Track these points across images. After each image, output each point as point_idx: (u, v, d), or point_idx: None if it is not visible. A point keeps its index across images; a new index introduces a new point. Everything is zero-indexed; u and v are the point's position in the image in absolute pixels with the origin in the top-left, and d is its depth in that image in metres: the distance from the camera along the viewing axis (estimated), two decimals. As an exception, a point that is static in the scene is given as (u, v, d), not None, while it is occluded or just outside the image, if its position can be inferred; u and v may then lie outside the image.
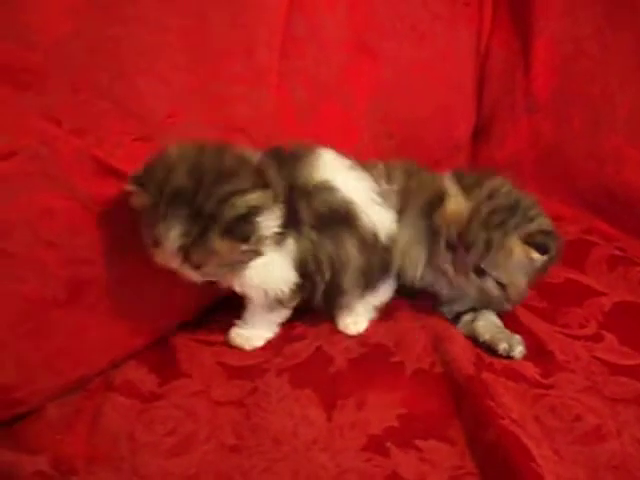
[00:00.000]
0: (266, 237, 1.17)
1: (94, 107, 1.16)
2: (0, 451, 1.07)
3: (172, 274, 1.19)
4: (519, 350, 1.27)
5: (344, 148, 1.58)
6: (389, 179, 1.49)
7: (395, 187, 1.46)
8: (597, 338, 1.32)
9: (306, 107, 1.55)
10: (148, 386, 1.22)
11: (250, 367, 1.27)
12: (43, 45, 1.10)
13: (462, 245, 1.28)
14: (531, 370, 1.23)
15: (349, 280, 1.30)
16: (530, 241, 1.25)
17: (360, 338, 1.33)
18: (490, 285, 1.29)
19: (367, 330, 1.37)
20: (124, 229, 1.19)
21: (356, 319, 1.38)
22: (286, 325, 1.36)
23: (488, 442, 1.05)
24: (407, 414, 1.13)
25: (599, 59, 1.77)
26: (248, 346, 1.32)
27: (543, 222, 1.31)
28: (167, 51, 1.25)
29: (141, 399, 1.18)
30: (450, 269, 1.33)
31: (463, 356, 1.24)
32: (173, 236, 1.10)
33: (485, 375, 1.19)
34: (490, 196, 1.29)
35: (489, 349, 1.29)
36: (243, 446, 1.07)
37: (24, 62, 1.08)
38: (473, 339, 1.33)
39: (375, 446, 1.07)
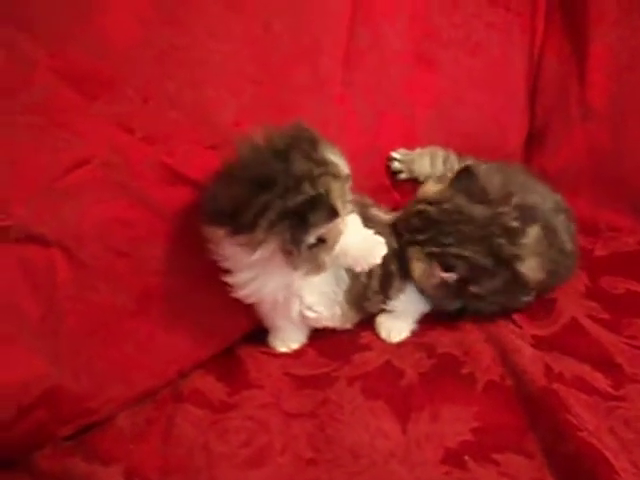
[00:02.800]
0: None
1: (164, 116, 1.17)
2: (74, 461, 1.08)
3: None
4: None
5: None
6: None
7: None
8: (664, 349, 1.31)
9: (368, 117, 1.56)
10: (218, 396, 1.22)
11: (319, 377, 1.26)
12: (113, 54, 1.11)
13: None
14: (601, 382, 1.22)
15: None
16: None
17: (428, 349, 1.33)
18: None
19: (433, 340, 1.37)
20: (193, 239, 1.19)
21: (399, 326, 1.40)
22: (352, 335, 1.36)
23: (568, 454, 1.04)
24: (481, 427, 1.12)
25: (657, 67, 1.76)
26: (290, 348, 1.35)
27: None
28: (233, 60, 1.25)
29: (212, 409, 1.18)
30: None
31: (533, 368, 1.23)
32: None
33: (556, 386, 1.18)
34: (438, 203, 1.35)
35: None
36: (320, 459, 1.07)
37: (95, 71, 1.09)
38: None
39: (453, 459, 1.06)
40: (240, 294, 1.21)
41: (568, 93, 1.85)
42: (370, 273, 1.30)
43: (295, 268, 1.12)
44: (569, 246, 1.46)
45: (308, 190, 1.06)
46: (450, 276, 1.30)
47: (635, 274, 1.55)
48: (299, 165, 1.07)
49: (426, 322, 1.43)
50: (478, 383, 1.22)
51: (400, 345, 1.36)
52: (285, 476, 1.04)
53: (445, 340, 1.36)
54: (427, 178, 1.59)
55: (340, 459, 1.06)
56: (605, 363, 1.27)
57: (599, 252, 1.67)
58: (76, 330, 1.11)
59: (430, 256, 1.30)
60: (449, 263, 1.30)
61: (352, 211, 1.21)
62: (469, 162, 1.57)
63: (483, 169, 1.46)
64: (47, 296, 1.07)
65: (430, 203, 1.33)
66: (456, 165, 1.59)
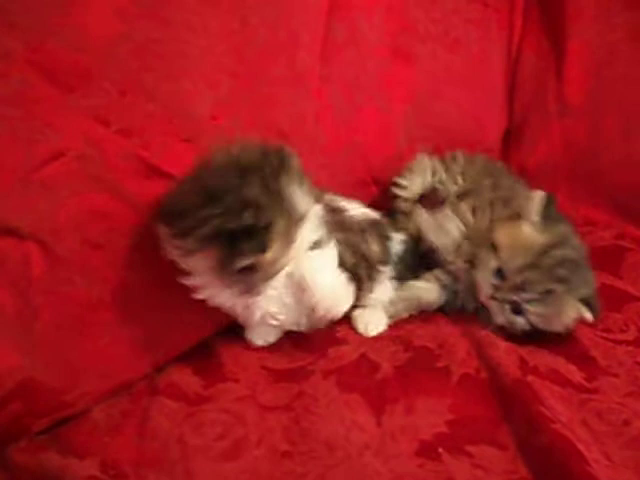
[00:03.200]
0: None
1: (140, 109, 1.16)
2: (49, 455, 1.07)
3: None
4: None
5: (382, 152, 1.62)
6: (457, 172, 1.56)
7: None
8: (638, 343, 1.33)
9: (345, 111, 1.56)
10: (193, 388, 1.21)
11: (295, 370, 1.26)
12: (91, 47, 1.09)
13: (518, 280, 1.27)
14: (575, 374, 1.24)
15: None
16: (588, 303, 1.26)
17: (404, 342, 1.34)
18: (520, 321, 1.30)
19: (409, 333, 1.37)
20: None
21: (376, 319, 1.40)
22: (328, 329, 1.35)
23: (541, 446, 1.05)
24: (456, 420, 1.13)
25: (634, 63, 1.77)
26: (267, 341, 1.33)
27: (594, 284, 1.31)
28: (211, 53, 1.24)
29: (187, 402, 1.18)
30: (487, 292, 1.33)
31: (508, 360, 1.24)
32: None
33: (531, 379, 1.19)
34: (561, 243, 1.27)
35: None
36: (295, 452, 1.07)
37: (73, 64, 1.08)
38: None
39: (427, 452, 1.06)
40: (199, 297, 1.19)
41: (546, 89, 1.86)
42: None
43: (227, 286, 1.12)
44: None
45: (248, 218, 1.03)
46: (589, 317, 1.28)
47: (610, 268, 1.57)
48: (250, 190, 1.04)
49: (402, 315, 1.43)
50: (453, 376, 1.23)
51: (376, 339, 1.36)
52: (260, 469, 1.04)
53: (421, 333, 1.36)
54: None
55: (315, 451, 1.06)
56: (579, 356, 1.28)
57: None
58: (51, 323, 1.10)
59: (582, 300, 1.26)
60: (596, 305, 1.28)
61: (327, 245, 1.21)
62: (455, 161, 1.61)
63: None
64: (22, 290, 1.06)
65: (556, 247, 1.27)
66: (443, 175, 1.60)
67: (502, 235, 1.32)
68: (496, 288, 1.31)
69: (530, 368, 1.23)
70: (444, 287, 1.44)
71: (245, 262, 1.06)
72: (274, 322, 1.25)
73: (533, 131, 1.89)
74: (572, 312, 1.26)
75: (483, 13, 1.82)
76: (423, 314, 1.43)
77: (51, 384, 1.11)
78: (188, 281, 1.17)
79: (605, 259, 1.57)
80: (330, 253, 1.23)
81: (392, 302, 1.43)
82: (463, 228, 1.45)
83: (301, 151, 1.28)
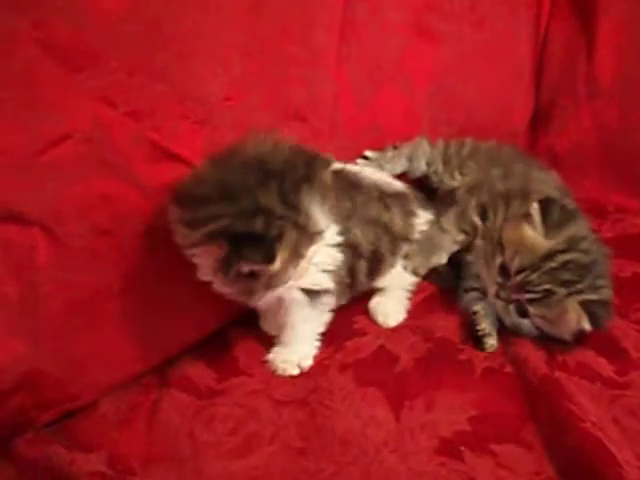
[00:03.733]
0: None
1: (150, 90, 1.12)
2: (55, 448, 1.04)
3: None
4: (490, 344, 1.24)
5: (404, 134, 1.59)
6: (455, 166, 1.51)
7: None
8: (672, 334, 1.26)
9: (365, 92, 1.51)
10: (206, 382, 1.18)
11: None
12: (98, 25, 1.05)
13: (519, 279, 1.22)
14: (606, 368, 1.18)
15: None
16: (588, 310, 1.17)
17: (424, 333, 1.28)
18: (527, 324, 1.24)
19: (429, 323, 1.32)
20: None
21: (395, 308, 1.35)
22: (345, 321, 1.31)
23: (569, 446, 1.00)
24: (479, 416, 1.08)
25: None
26: (297, 370, 1.23)
27: (606, 294, 1.22)
28: (224, 32, 1.20)
29: (199, 395, 1.15)
30: (492, 289, 1.27)
31: (534, 355, 1.19)
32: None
33: (558, 374, 1.13)
34: (568, 248, 1.20)
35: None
36: (310, 448, 1.03)
37: (78, 42, 1.04)
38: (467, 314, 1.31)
39: (448, 450, 1.02)
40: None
41: (575, 69, 1.78)
42: (359, 251, 1.27)
43: (221, 285, 1.08)
44: None
45: (259, 225, 0.98)
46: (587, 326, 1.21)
47: (643, 257, 1.49)
48: (267, 197, 0.99)
49: (423, 304, 1.39)
50: (476, 370, 1.18)
51: (395, 329, 1.31)
52: (273, 465, 1.00)
53: (442, 324, 1.31)
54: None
55: (330, 448, 1.02)
56: (610, 348, 1.22)
57: (606, 234, 1.60)
58: (57, 312, 1.07)
59: (583, 304, 1.18)
60: (600, 313, 1.20)
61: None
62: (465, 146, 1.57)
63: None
64: (27, 277, 1.04)
65: (562, 252, 1.20)
66: (440, 167, 1.57)
67: (510, 232, 1.27)
68: (500, 286, 1.25)
69: (558, 363, 1.18)
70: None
71: (247, 268, 1.02)
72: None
73: (562, 114, 1.81)
74: (573, 318, 1.19)
75: (510, -11, 1.75)
76: (445, 305, 1.38)
77: (57, 375, 1.09)
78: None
79: (637, 247, 1.51)
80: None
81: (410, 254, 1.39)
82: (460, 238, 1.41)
83: (319, 132, 1.27)
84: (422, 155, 1.58)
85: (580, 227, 1.24)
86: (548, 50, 1.84)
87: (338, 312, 1.29)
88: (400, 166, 1.57)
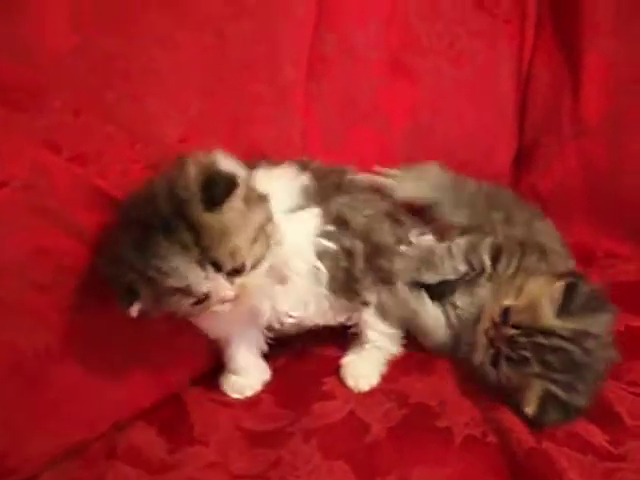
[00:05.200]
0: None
1: (98, 131, 1.05)
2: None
3: (181, 320, 1.06)
4: None
5: None
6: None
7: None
8: (671, 398, 1.16)
9: (337, 132, 1.45)
10: (157, 453, 1.08)
11: (273, 432, 1.11)
12: (42, 62, 1.00)
13: (510, 332, 1.13)
14: (598, 437, 1.06)
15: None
16: (545, 401, 1.07)
17: (399, 397, 1.17)
18: (492, 374, 1.15)
19: (405, 387, 1.20)
20: None
21: (368, 371, 1.25)
22: (313, 380, 1.21)
23: (560, 533, 0.89)
24: (457, 493, 0.97)
25: (660, 79, 1.61)
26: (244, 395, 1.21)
27: (577, 400, 1.09)
28: (180, 69, 1.14)
29: (148, 469, 1.04)
30: (485, 324, 1.18)
31: (519, 423, 1.08)
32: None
33: (546, 445, 1.03)
34: (572, 338, 1.10)
35: None
36: (269, 533, 0.92)
37: (20, 80, 0.99)
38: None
39: (424, 535, 0.91)
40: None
41: (560, 107, 1.69)
42: (352, 253, 1.18)
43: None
44: None
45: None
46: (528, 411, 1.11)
47: (636, 307, 1.39)
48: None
49: (398, 365, 1.28)
50: (455, 439, 1.06)
51: (367, 393, 1.20)
52: None
53: (419, 387, 1.20)
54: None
55: (291, 534, 0.91)
56: (602, 413, 1.11)
57: (594, 282, 1.49)
58: (-8, 376, 0.99)
59: (546, 393, 1.08)
60: (554, 413, 1.09)
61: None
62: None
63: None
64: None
65: (566, 339, 1.10)
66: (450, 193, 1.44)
67: (534, 286, 1.16)
68: (494, 326, 1.16)
69: (544, 432, 1.07)
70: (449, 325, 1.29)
71: None
72: (291, 320, 1.17)
73: (546, 153, 1.71)
74: (529, 399, 1.09)
75: (491, 24, 1.67)
76: (422, 365, 1.27)
77: (-8, 446, 1.00)
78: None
79: (629, 296, 1.39)
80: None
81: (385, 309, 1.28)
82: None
83: None
84: (433, 177, 1.47)
85: (598, 324, 1.13)
86: (532, 86, 1.74)
87: (305, 371, 1.21)
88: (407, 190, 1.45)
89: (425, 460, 1.02)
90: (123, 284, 0.94)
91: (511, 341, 1.11)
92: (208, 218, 0.93)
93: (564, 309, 1.10)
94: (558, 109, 1.68)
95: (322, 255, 1.13)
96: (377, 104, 1.50)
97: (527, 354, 1.09)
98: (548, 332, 1.09)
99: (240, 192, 0.97)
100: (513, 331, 1.12)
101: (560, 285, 1.12)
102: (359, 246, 1.18)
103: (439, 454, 1.03)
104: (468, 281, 1.28)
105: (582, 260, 1.48)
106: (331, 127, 1.43)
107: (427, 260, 1.29)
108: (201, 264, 0.93)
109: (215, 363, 1.25)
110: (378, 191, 1.32)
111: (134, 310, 0.96)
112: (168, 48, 1.11)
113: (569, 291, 1.11)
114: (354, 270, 1.19)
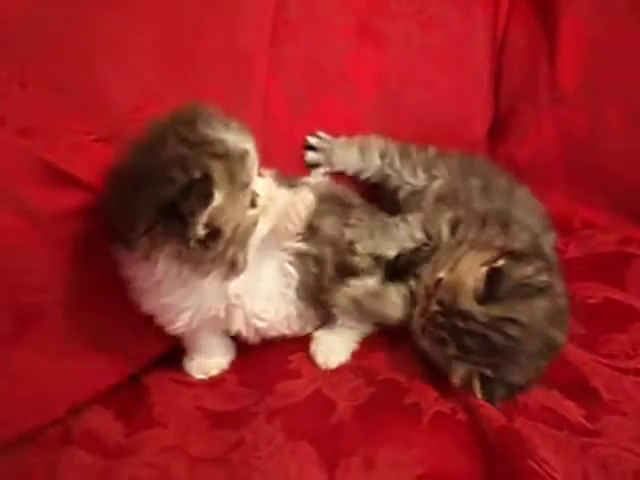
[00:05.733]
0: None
1: (46, 102, 1.00)
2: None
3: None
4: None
5: None
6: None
7: None
8: (649, 371, 1.13)
9: (301, 100, 1.39)
10: (114, 437, 1.05)
11: (235, 412, 1.08)
12: None
13: (433, 308, 1.10)
14: (574, 412, 1.03)
15: None
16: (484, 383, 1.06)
17: (367, 374, 1.13)
18: (425, 345, 1.13)
19: (374, 363, 1.17)
20: (82, 249, 1.04)
21: (338, 347, 1.22)
22: (279, 359, 1.18)
23: (530, 513, 0.86)
24: (426, 474, 0.92)
25: (636, 42, 1.53)
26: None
27: (511, 377, 1.07)
28: (134, 34, 1.09)
29: (105, 454, 1.01)
30: (422, 292, 1.15)
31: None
32: None
33: (520, 422, 1.00)
34: (491, 325, 1.05)
35: None
36: (229, 516, 0.88)
37: None
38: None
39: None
40: (174, 321, 1.07)
41: (537, 73, 1.64)
42: (321, 259, 1.17)
43: (204, 274, 0.99)
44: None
45: (179, 177, 0.90)
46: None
47: (614, 279, 1.35)
48: (168, 152, 0.93)
49: (367, 340, 1.25)
50: (424, 416, 1.02)
51: (335, 370, 1.16)
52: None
53: (388, 362, 1.17)
54: (357, 173, 1.42)
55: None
56: (578, 388, 1.08)
57: (572, 253, 1.47)
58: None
59: (478, 375, 1.06)
60: (497, 391, 1.06)
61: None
62: (425, 154, 1.42)
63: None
64: None
65: (484, 325, 1.05)
66: (397, 160, 1.40)
67: (468, 263, 1.12)
68: (427, 296, 1.13)
69: (518, 407, 1.04)
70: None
71: (198, 224, 0.92)
72: (261, 323, 1.14)
73: (523, 121, 1.66)
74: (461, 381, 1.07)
75: (464, -13, 1.62)
76: (392, 340, 1.22)
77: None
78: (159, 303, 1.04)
79: (607, 268, 1.37)
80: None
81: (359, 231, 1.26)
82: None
83: None
84: (375, 147, 1.43)
85: (528, 311, 1.07)
86: (507, 53, 1.69)
87: (271, 349, 1.17)
88: (351, 157, 1.43)
89: (392, 440, 0.98)
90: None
91: (433, 317, 1.09)
92: None
93: (488, 295, 1.06)
94: (534, 76, 1.64)
95: (292, 257, 1.14)
96: (343, 71, 1.45)
97: (445, 335, 1.06)
98: (466, 316, 1.06)
99: None
100: (436, 307, 1.09)
101: (484, 270, 1.08)
102: (328, 253, 1.18)
103: (406, 433, 0.99)
104: (430, 255, 1.22)
105: (560, 230, 1.44)
106: (295, 95, 1.37)
107: (381, 226, 1.25)
108: None
109: (177, 342, 1.21)
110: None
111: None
112: (118, 11, 1.05)
113: (495, 277, 1.06)
114: (323, 278, 1.18)
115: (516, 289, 1.06)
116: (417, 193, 1.39)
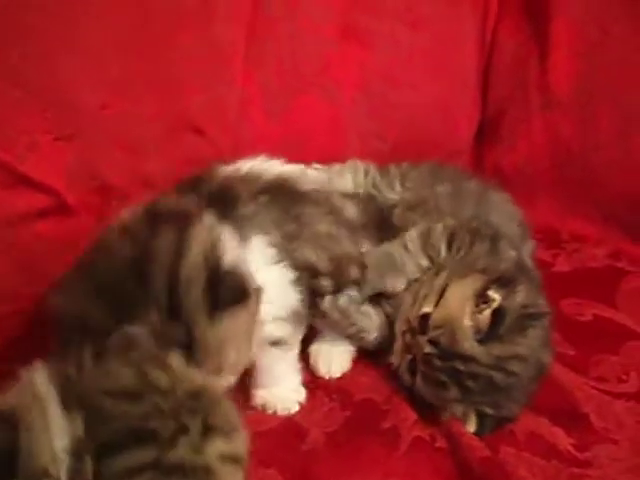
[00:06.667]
0: None
1: (2, 97, 0.96)
2: None
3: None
4: None
5: (328, 150, 1.42)
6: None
7: None
8: (642, 396, 1.09)
9: (280, 100, 1.34)
10: None
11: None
12: None
13: (426, 350, 1.03)
14: (563, 440, 0.98)
15: None
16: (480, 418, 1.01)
17: (342, 396, 1.07)
18: (407, 380, 1.08)
19: (349, 383, 1.11)
20: (39, 257, 1.00)
21: (340, 355, 1.17)
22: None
23: None
24: (404, 506, 0.87)
25: (631, 45, 1.50)
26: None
27: (507, 412, 1.02)
28: (100, 25, 1.04)
29: None
30: (402, 325, 1.09)
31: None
32: None
33: (504, 452, 0.94)
34: (493, 365, 1.00)
35: None
36: None
37: None
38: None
39: None
40: None
41: (527, 76, 1.60)
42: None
43: None
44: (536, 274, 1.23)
45: None
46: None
47: (604, 296, 1.31)
48: None
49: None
50: (402, 443, 0.96)
51: (309, 392, 1.09)
52: None
53: (364, 380, 1.11)
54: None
55: None
56: (568, 414, 1.03)
57: (561, 267, 1.42)
58: None
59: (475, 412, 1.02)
60: (490, 425, 1.01)
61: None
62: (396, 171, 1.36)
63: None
64: None
65: (486, 366, 1.00)
66: (378, 178, 1.35)
67: (456, 292, 1.06)
68: (410, 331, 1.07)
69: (503, 434, 0.98)
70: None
71: None
72: None
73: (511, 127, 1.63)
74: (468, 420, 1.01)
75: (452, -11, 1.59)
76: (368, 357, 1.17)
77: None
78: None
79: (598, 284, 1.33)
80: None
81: None
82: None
83: (220, 148, 1.16)
84: (360, 167, 1.37)
85: (527, 342, 1.02)
86: (496, 54, 1.65)
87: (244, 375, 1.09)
88: (346, 183, 1.36)
89: (367, 469, 0.92)
90: None
91: (428, 360, 1.03)
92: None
93: (490, 336, 1.01)
94: (524, 79, 1.60)
95: None
96: (325, 71, 1.39)
97: (444, 378, 1.01)
98: (467, 358, 1.00)
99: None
100: (430, 349, 1.02)
101: (486, 316, 1.01)
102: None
103: (382, 462, 0.93)
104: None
105: (547, 243, 1.43)
106: (274, 95, 1.32)
107: (389, 264, 1.18)
108: None
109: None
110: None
111: None
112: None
113: (496, 317, 1.01)
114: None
115: (514, 323, 1.01)
116: (391, 207, 1.33)
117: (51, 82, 0.98)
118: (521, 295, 1.03)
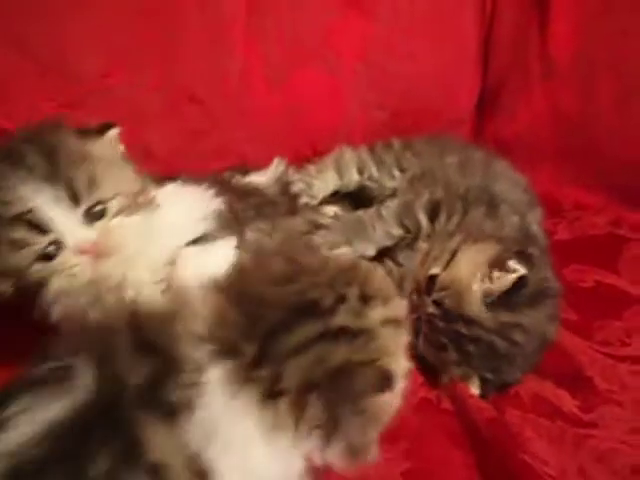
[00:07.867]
0: None
1: (5, 63, 0.97)
2: None
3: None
4: None
5: (329, 121, 1.41)
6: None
7: None
8: (645, 359, 1.09)
9: (281, 71, 1.34)
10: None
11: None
12: None
13: (430, 310, 1.04)
14: (568, 402, 0.99)
15: None
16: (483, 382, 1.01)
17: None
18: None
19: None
20: None
21: None
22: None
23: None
24: (413, 470, 0.87)
25: (632, 13, 1.47)
26: None
27: (507, 377, 1.03)
28: None
29: None
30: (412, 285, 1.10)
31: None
32: None
33: (510, 413, 0.95)
34: (496, 330, 1.00)
35: None
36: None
37: None
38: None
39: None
40: None
41: (527, 46, 1.58)
42: None
43: None
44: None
45: None
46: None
47: (606, 262, 1.31)
48: None
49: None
50: (408, 403, 0.95)
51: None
52: None
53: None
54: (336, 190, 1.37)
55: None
56: (572, 377, 1.04)
57: (562, 235, 1.43)
58: None
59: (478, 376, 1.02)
60: (493, 388, 1.02)
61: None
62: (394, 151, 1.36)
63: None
64: None
65: (489, 331, 1.01)
66: (375, 172, 1.35)
67: (466, 258, 1.06)
68: (418, 291, 1.07)
69: (509, 397, 0.99)
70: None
71: None
72: None
73: (512, 96, 1.62)
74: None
75: (453, -45, 1.57)
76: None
77: None
78: None
79: (599, 251, 1.34)
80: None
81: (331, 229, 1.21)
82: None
83: (219, 119, 1.16)
84: (351, 163, 1.38)
85: (535, 316, 1.03)
86: (496, 23, 1.63)
87: None
88: (329, 181, 1.37)
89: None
90: None
91: (431, 320, 1.03)
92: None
93: (502, 302, 1.01)
94: (525, 49, 1.59)
95: None
96: (326, 41, 1.39)
97: (445, 340, 1.02)
98: (471, 321, 1.00)
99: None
100: (433, 309, 1.03)
101: (502, 281, 1.01)
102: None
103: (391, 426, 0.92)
104: (408, 244, 1.18)
105: (549, 211, 1.39)
106: (275, 66, 1.31)
107: (356, 228, 1.19)
108: (52, 183, 0.78)
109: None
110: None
111: None
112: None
113: (517, 285, 1.00)
114: None
115: (530, 295, 1.01)
116: (394, 192, 1.33)
117: (54, 50, 0.98)
118: (542, 272, 1.05)
